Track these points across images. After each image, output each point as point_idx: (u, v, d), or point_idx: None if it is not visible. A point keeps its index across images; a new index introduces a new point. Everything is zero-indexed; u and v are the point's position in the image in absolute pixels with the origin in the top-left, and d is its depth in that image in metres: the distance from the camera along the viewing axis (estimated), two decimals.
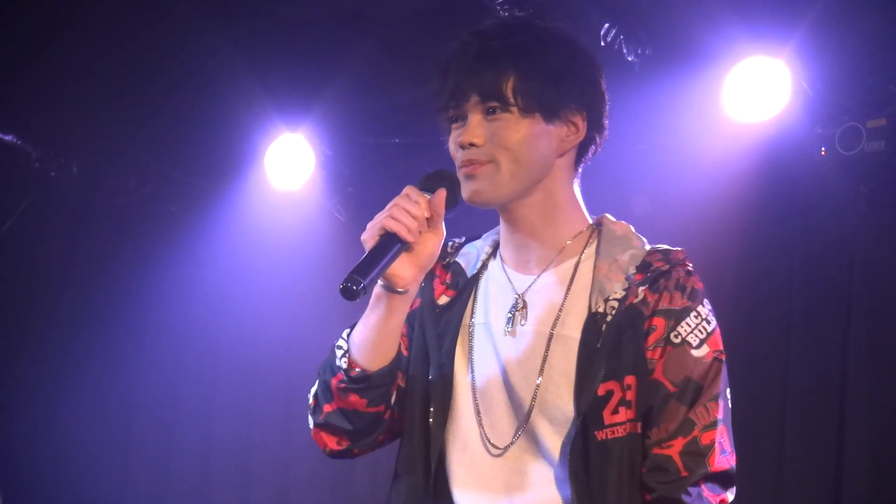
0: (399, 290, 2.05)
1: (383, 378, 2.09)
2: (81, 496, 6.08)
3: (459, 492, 2.10)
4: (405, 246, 2.01)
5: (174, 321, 6.25)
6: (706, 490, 2.00)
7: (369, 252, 1.99)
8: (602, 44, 4.37)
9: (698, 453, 2.00)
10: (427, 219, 2.04)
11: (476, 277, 2.20)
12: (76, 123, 5.71)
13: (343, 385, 2.09)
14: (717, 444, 2.01)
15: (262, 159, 5.74)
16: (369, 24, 4.96)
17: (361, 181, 5.88)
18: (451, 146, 2.14)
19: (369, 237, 2.02)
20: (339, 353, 2.12)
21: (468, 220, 2.35)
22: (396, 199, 2.04)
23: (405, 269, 2.04)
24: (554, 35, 2.15)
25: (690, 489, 1.98)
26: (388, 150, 5.73)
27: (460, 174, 2.10)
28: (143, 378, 6.36)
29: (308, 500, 6.11)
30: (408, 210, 2.01)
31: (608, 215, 2.21)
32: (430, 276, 2.21)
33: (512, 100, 2.06)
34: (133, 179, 6.11)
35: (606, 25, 4.39)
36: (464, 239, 2.30)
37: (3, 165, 5.74)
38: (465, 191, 2.09)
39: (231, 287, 6.20)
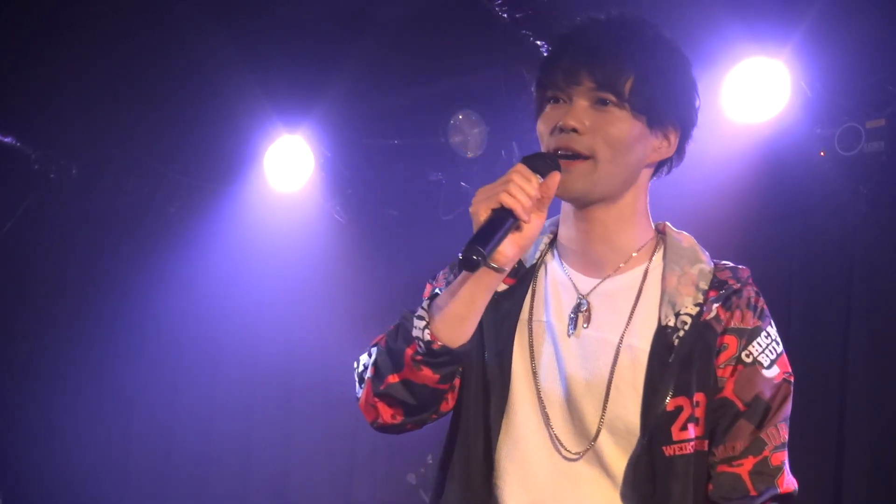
0: (496, 267, 1.96)
1: (463, 356, 2.02)
2: (81, 496, 6.08)
3: (508, 489, 2.07)
4: (516, 223, 1.94)
5: (174, 322, 6.25)
6: None
7: (487, 223, 1.92)
8: None
9: (768, 474, 2.00)
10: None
11: (533, 269, 2.15)
12: (76, 125, 5.71)
13: (420, 357, 2.00)
14: (785, 466, 2.02)
15: (261, 160, 5.74)
16: (369, 26, 4.97)
17: (361, 182, 5.88)
18: (543, 125, 2.06)
19: (481, 209, 1.92)
20: (419, 322, 2.00)
21: None
22: (512, 176, 1.93)
23: (508, 248, 1.95)
24: (675, 47, 2.14)
25: None
26: (388, 152, 5.73)
27: None
28: (143, 379, 6.36)
29: (307, 501, 6.11)
30: (524, 188, 1.93)
31: (669, 224, 2.18)
32: None
33: (627, 96, 2.02)
34: (132, 181, 6.11)
35: None
36: None
37: (3, 167, 5.75)
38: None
39: (230, 288, 6.20)
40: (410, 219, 5.88)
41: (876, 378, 4.36)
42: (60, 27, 4.92)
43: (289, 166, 5.69)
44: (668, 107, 2.07)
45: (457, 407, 2.12)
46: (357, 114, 5.59)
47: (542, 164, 1.98)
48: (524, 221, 1.93)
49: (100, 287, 6.27)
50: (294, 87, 5.31)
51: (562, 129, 2.02)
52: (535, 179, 1.95)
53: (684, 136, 2.14)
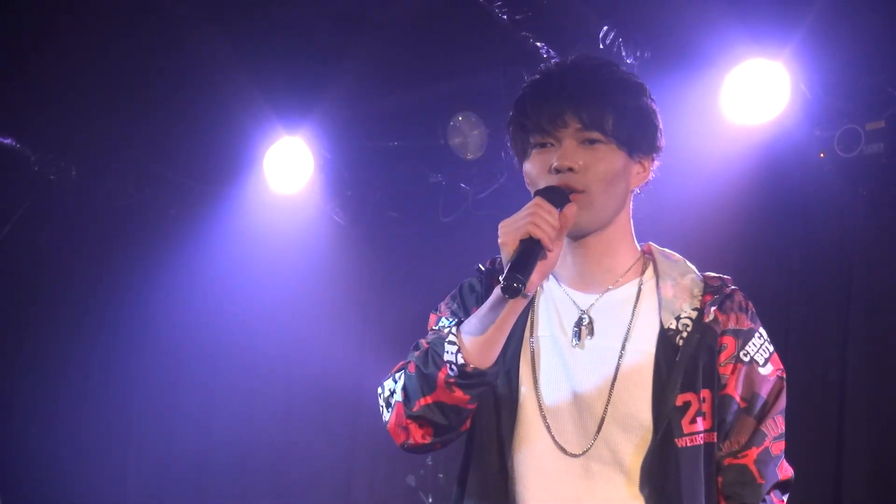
0: (526, 293, 2.11)
1: (494, 376, 2.17)
2: (81, 496, 6.08)
3: (528, 494, 2.20)
4: (543, 252, 2.10)
5: (173, 323, 6.25)
6: (774, 498, 2.17)
7: (519, 253, 2.08)
8: (601, 46, 4.38)
9: (771, 462, 2.18)
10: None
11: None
12: (75, 127, 5.71)
13: (452, 380, 2.14)
14: (783, 455, 2.20)
15: (261, 162, 5.74)
16: (368, 28, 4.97)
17: (361, 184, 5.89)
18: (535, 168, 2.22)
19: (510, 240, 2.09)
20: (451, 347, 2.15)
21: None
22: (536, 209, 2.10)
23: (535, 275, 2.11)
24: (635, 79, 2.29)
25: (766, 497, 2.16)
26: (387, 153, 5.74)
27: None
28: (143, 380, 6.37)
29: (307, 503, 6.11)
30: (547, 220, 2.10)
31: (653, 243, 2.35)
32: (491, 288, 2.29)
33: (611, 132, 2.20)
34: (132, 183, 6.11)
35: (605, 28, 4.40)
36: None
37: (3, 169, 5.75)
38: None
39: (230, 289, 6.21)
40: (410, 220, 5.88)
41: (876, 378, 4.37)
42: (60, 29, 4.93)
43: (288, 168, 5.69)
44: (644, 137, 2.26)
45: (471, 426, 2.26)
46: (357, 115, 5.59)
47: (556, 197, 2.15)
48: (549, 250, 2.10)
49: (99, 288, 6.27)
50: (294, 89, 5.31)
51: (558, 170, 2.18)
52: (555, 211, 2.12)
53: (656, 160, 2.33)
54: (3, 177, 5.77)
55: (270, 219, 5.93)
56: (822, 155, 4.43)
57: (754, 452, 2.16)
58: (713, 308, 2.20)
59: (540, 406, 2.20)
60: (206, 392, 6.32)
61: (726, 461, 2.17)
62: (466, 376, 2.13)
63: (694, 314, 2.20)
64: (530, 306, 2.28)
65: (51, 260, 6.29)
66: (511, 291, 2.03)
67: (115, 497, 6.30)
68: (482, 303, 2.23)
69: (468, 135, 5.34)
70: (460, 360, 2.13)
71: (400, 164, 5.73)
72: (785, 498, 2.19)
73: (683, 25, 4.39)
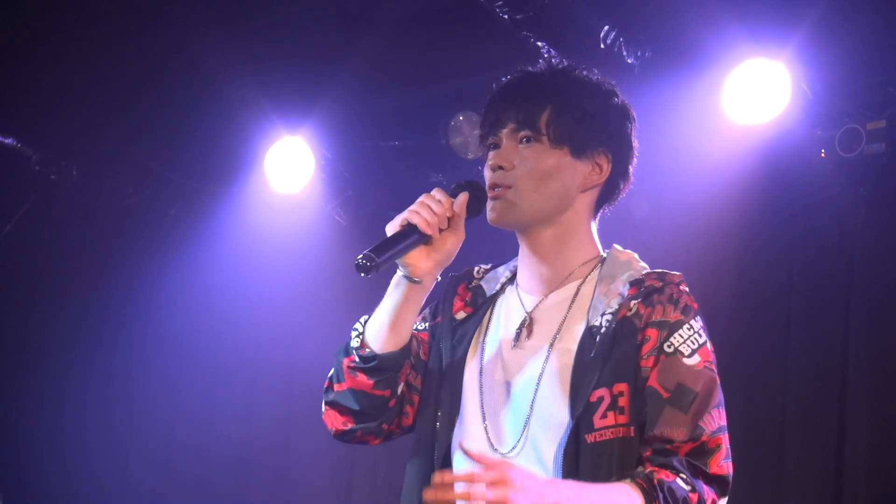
0: (415, 279, 2.24)
1: (391, 362, 2.26)
2: (81, 496, 6.09)
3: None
4: (424, 238, 2.20)
5: (174, 323, 6.25)
6: (705, 487, 2.08)
7: (389, 237, 2.19)
8: (602, 46, 4.38)
9: (703, 453, 2.10)
10: (448, 218, 2.23)
11: (493, 298, 2.38)
12: (76, 127, 5.71)
13: (353, 365, 2.27)
14: (721, 449, 2.12)
15: (261, 162, 5.74)
16: (369, 27, 4.97)
17: (361, 184, 5.88)
18: (485, 168, 2.30)
19: (392, 227, 2.21)
20: (353, 334, 2.31)
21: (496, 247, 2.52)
22: (421, 198, 2.23)
23: (422, 261, 2.23)
24: (594, 82, 2.32)
25: (695, 481, 2.07)
26: (388, 153, 5.73)
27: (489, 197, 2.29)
28: (144, 380, 6.37)
29: (308, 502, 6.11)
30: (430, 206, 2.21)
31: (617, 245, 2.35)
32: (452, 293, 2.42)
33: (544, 130, 2.24)
34: (133, 183, 6.11)
35: (606, 28, 4.40)
36: (490, 265, 2.47)
37: (3, 169, 5.75)
38: (489, 213, 2.27)
39: (231, 289, 6.20)
40: None
41: (876, 379, 4.36)
42: (60, 28, 4.93)
43: (289, 168, 5.69)
44: (588, 134, 2.26)
45: (414, 423, 2.36)
46: (357, 115, 5.59)
47: (461, 188, 2.27)
48: (428, 235, 2.19)
49: (100, 288, 6.27)
50: (294, 89, 5.32)
51: (493, 169, 2.27)
52: (447, 200, 2.23)
53: (620, 160, 2.32)
54: (4, 177, 5.78)
55: (271, 219, 5.93)
56: (822, 155, 4.42)
57: (688, 446, 2.10)
58: (635, 301, 2.18)
59: (481, 406, 2.26)
60: (208, 391, 6.32)
61: (650, 451, 2.11)
62: (364, 360, 2.25)
63: (615, 308, 2.19)
64: (487, 312, 2.36)
65: (51, 260, 6.29)
66: (359, 268, 2.13)
67: (117, 494, 6.31)
68: (438, 309, 2.40)
69: (469, 135, 5.34)
70: (356, 344, 2.28)
71: (400, 164, 5.73)
72: (721, 501, 2.11)
73: (684, 25, 4.39)
